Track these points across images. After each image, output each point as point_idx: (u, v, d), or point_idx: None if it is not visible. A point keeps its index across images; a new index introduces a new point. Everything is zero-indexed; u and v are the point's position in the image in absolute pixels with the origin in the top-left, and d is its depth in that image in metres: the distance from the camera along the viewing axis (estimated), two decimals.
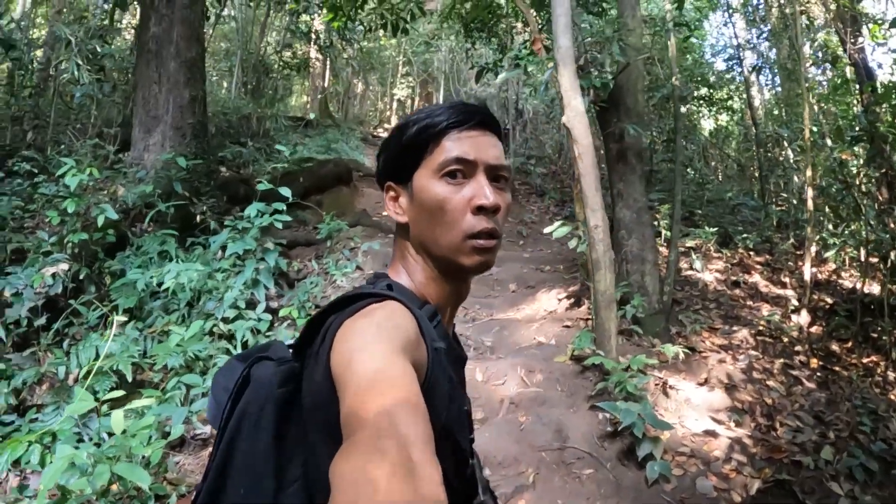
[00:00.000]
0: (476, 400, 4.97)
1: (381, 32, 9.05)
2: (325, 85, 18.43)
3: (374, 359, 0.82)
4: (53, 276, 5.20)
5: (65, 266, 5.38)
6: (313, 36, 14.32)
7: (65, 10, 10.15)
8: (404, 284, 1.09)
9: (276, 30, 16.45)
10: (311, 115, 16.56)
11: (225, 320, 5.54)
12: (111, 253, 6.07)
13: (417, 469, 0.68)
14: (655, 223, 7.00)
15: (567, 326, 5.70)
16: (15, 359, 4.70)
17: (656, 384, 4.50)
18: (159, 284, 5.52)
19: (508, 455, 4.20)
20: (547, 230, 5.67)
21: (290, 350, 1.04)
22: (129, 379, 4.35)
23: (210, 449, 3.55)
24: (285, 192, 6.49)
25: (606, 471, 3.84)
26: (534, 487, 3.90)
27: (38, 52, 9.60)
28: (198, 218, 6.94)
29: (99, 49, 8.38)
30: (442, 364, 0.97)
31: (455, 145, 1.07)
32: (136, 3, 8.59)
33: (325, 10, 9.26)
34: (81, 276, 5.68)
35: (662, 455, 3.77)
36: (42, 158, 7.01)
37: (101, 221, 5.65)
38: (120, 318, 4.66)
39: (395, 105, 22.56)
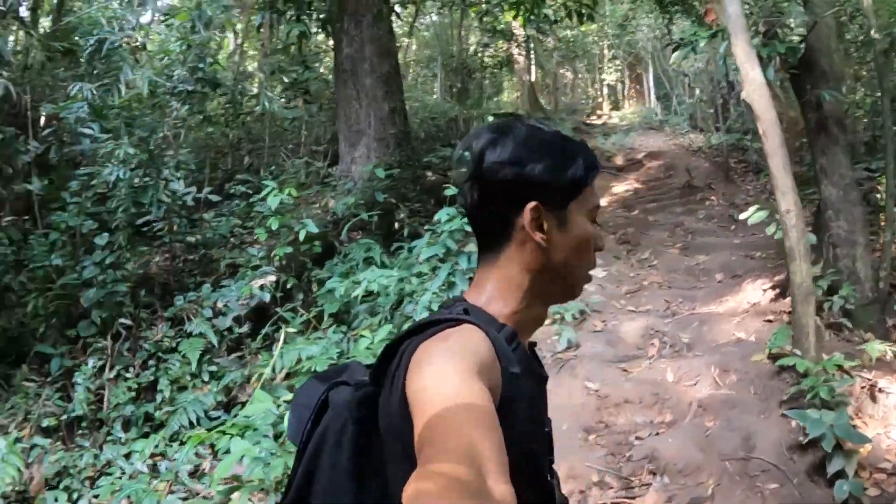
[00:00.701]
0: (665, 401, 4.75)
1: (570, 21, 8.92)
2: (532, 78, 18.50)
3: (449, 382, 0.83)
4: (262, 287, 5.99)
5: (272, 277, 6.17)
6: (512, 32, 14.49)
7: (274, 39, 11.40)
8: (483, 307, 1.10)
9: (474, 31, 16.91)
10: (520, 111, 16.77)
11: None
12: (321, 262, 6.78)
13: (492, 494, 0.70)
14: (869, 200, 6.03)
15: (769, 321, 5.16)
16: (223, 361, 5.52)
17: (863, 387, 3.91)
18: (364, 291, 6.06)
19: (690, 462, 3.96)
20: (742, 216, 5.20)
21: (368, 372, 1.08)
22: None
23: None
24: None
25: (792, 486, 3.45)
26: (712, 500, 3.64)
27: (255, 80, 10.99)
28: (396, 224, 7.45)
29: (301, 74, 9.32)
30: (519, 387, 0.99)
31: (596, 191, 1.18)
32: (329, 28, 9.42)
33: (507, 8, 9.38)
34: (290, 286, 6.45)
35: (858, 472, 3.28)
36: (257, 180, 8.03)
37: (302, 235, 6.35)
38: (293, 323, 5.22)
39: (605, 90, 21.91)
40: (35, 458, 4.69)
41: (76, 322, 6.08)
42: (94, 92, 6.84)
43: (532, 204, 1.08)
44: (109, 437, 5.23)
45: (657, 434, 4.40)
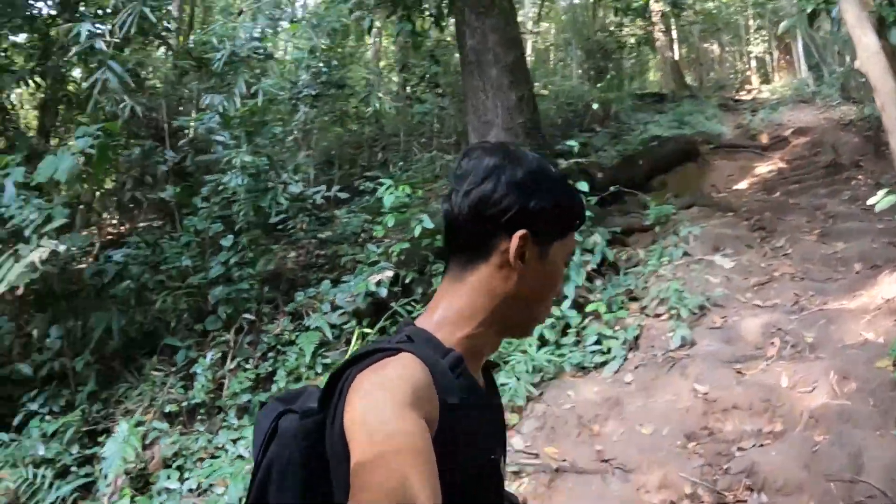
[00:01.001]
0: (776, 409, 4.35)
1: None
2: (675, 56, 17.52)
3: (382, 415, 0.84)
4: (378, 283, 6.15)
5: (389, 273, 6.31)
6: (647, 9, 13.77)
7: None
8: (432, 331, 1.10)
9: (608, 11, 16.28)
10: (665, 90, 15.96)
11: None
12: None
13: None
14: None
15: None
16: (336, 355, 5.73)
17: None
18: None
19: (791, 480, 3.61)
20: (870, 201, 4.61)
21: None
22: None
23: None
24: (582, 186, 6.47)
25: None
26: None
27: (395, 77, 11.27)
28: None
29: (429, 68, 9.43)
30: (458, 416, 0.98)
31: (573, 240, 1.22)
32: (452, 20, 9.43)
33: None
34: (408, 280, 6.57)
35: None
36: (386, 175, 8.23)
37: (417, 231, 6.43)
38: None
39: (753, 64, 20.25)
40: (154, 440, 5.19)
41: (204, 317, 6.61)
42: (225, 103, 7.38)
43: (522, 232, 1.09)
44: (224, 423, 5.65)
45: (761, 446, 4.04)
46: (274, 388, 6.11)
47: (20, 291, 4.89)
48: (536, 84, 11.98)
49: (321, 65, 9.38)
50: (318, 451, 0.99)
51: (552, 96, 13.95)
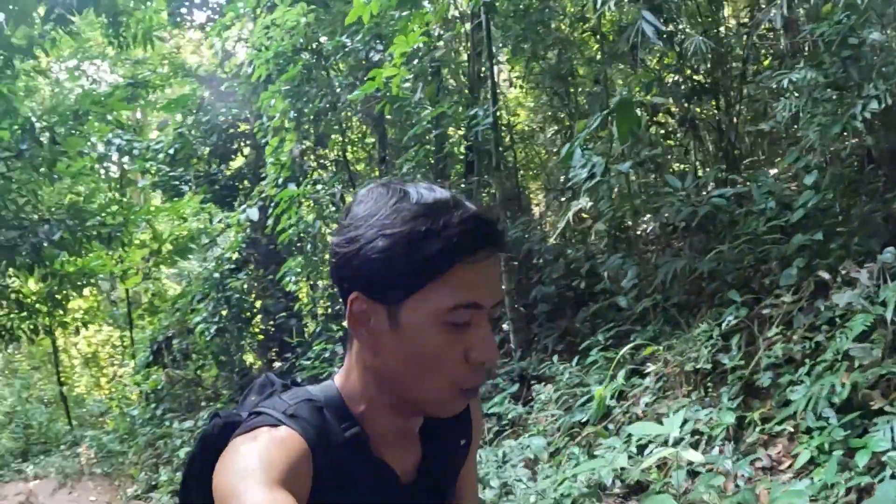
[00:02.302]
0: None
1: None
2: None
3: (246, 492, 0.78)
4: None
5: None
6: None
7: None
8: (340, 389, 0.97)
9: None
10: None
11: None
12: None
13: None
14: None
15: None
16: None
17: None
18: None
19: None
20: None
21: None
22: None
23: None
24: None
25: None
26: None
27: None
28: None
29: None
30: (338, 490, 0.90)
31: (466, 284, 0.86)
32: None
33: None
34: None
35: None
36: None
37: None
38: None
39: None
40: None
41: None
42: None
43: (353, 295, 0.89)
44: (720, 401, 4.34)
45: None
46: (800, 373, 4.27)
47: None
48: None
49: None
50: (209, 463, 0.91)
51: None
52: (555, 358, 5.91)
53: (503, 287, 0.78)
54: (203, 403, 9.55)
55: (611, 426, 4.81)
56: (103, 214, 6.62)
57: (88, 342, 13.62)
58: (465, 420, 1.10)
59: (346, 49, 7.20)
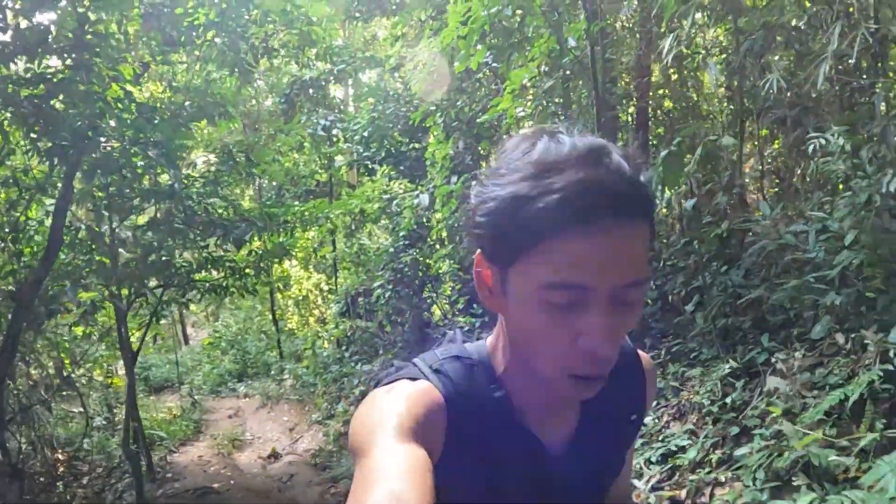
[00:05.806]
0: None
1: None
2: None
3: (377, 443, 0.77)
4: None
5: None
6: None
7: None
8: (488, 349, 0.96)
9: None
10: None
11: None
12: None
13: None
14: None
15: None
16: None
17: None
18: None
19: None
20: None
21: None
22: None
23: None
24: None
25: None
26: None
27: None
28: None
29: None
30: (469, 445, 0.89)
31: (567, 260, 0.74)
32: None
33: None
34: None
35: None
36: None
37: None
38: None
39: None
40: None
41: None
42: None
43: (476, 252, 0.86)
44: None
45: None
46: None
47: None
48: None
49: None
50: None
51: None
52: None
53: (644, 263, 0.78)
54: (380, 352, 11.24)
55: None
56: (304, 207, 8.21)
57: (300, 287, 15.80)
58: (637, 393, 1.04)
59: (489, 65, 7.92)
